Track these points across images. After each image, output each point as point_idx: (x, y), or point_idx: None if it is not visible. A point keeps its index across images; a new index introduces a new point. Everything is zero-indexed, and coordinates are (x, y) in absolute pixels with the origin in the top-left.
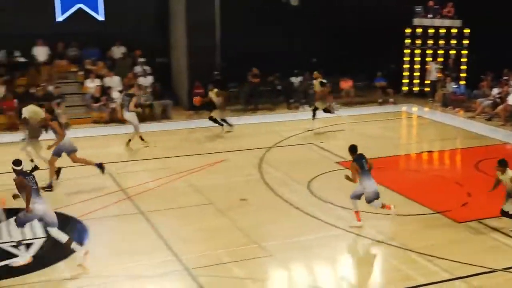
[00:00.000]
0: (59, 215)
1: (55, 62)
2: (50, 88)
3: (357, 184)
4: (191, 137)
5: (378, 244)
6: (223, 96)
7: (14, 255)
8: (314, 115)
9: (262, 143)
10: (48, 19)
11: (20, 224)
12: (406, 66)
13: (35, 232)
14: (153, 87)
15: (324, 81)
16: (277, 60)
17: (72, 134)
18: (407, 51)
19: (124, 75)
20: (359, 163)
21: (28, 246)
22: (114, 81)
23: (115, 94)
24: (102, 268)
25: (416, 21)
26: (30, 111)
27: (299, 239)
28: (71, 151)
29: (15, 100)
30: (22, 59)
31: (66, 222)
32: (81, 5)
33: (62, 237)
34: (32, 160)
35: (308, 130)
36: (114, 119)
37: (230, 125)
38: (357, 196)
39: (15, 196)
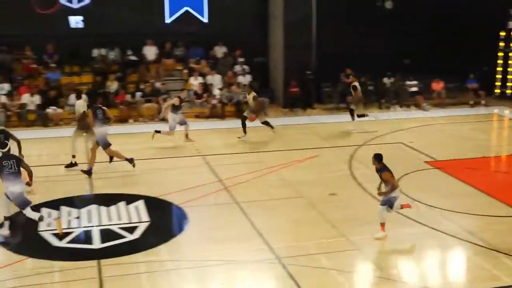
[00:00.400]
0: (162, 202)
1: (162, 60)
2: (158, 84)
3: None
4: (285, 133)
5: (463, 243)
6: (257, 102)
7: (122, 236)
8: (352, 117)
9: (353, 141)
10: (158, 21)
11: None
12: (499, 68)
13: (140, 216)
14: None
15: (356, 85)
16: (369, 61)
17: (176, 128)
18: (500, 54)
19: (225, 74)
20: (390, 172)
21: (133, 229)
22: (215, 79)
23: (216, 91)
24: (199, 253)
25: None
26: (80, 105)
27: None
28: (105, 144)
29: (127, 95)
30: (133, 58)
31: (167, 208)
32: (188, 8)
33: (33, 215)
34: (74, 156)
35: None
36: (214, 114)
37: (271, 127)
38: (391, 205)
39: None
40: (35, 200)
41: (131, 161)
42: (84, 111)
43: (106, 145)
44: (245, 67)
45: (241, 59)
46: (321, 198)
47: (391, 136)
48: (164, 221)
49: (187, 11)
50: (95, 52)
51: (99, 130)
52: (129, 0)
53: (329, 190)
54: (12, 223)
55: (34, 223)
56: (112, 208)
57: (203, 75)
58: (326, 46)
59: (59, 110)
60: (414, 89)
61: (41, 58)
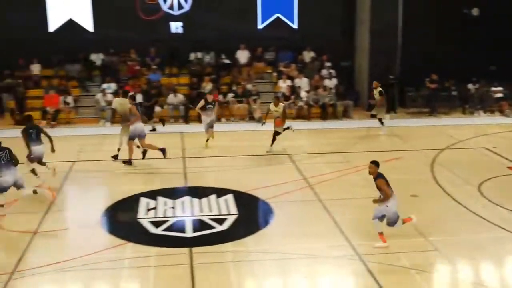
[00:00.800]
0: (250, 196)
1: (254, 64)
2: (249, 86)
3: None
4: (369, 135)
5: None
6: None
7: (212, 227)
8: (381, 122)
9: (435, 145)
10: (251, 27)
11: None
12: None
13: (229, 209)
14: (336, 88)
15: (382, 90)
16: (454, 66)
17: (264, 127)
18: None
19: (312, 77)
20: (386, 180)
21: (222, 220)
22: (303, 82)
23: (303, 94)
24: (283, 246)
25: None
26: (118, 102)
27: (465, 237)
28: (141, 137)
29: (220, 95)
30: (227, 61)
31: (255, 202)
32: (279, 15)
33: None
34: (119, 149)
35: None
36: (301, 115)
37: (291, 129)
38: (381, 217)
39: None
40: (136, 190)
41: (163, 151)
42: (130, 108)
43: (141, 138)
44: (332, 71)
45: (327, 63)
46: (402, 199)
47: (474, 141)
48: (251, 215)
49: (278, 18)
50: (192, 56)
51: (137, 124)
52: (225, 8)
53: (410, 191)
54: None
55: (134, 212)
56: (204, 200)
57: (291, 78)
58: (411, 51)
59: (159, 108)
60: (499, 95)
61: (144, 60)
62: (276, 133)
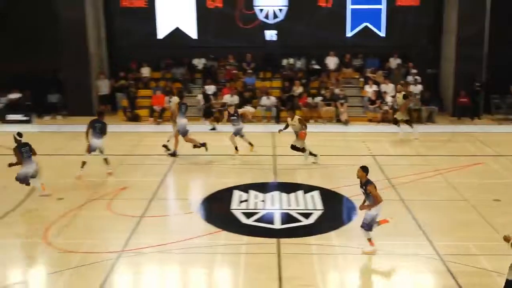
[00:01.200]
0: (335, 194)
1: (342, 69)
2: (336, 90)
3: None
4: (452, 140)
5: None
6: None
7: (298, 220)
8: (398, 126)
9: None
10: (340, 34)
11: (19, 179)
12: None
13: (315, 204)
14: (421, 94)
15: (407, 94)
16: None
17: (351, 129)
18: None
19: (398, 83)
20: (375, 185)
21: (308, 215)
22: (388, 88)
23: (389, 98)
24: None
25: None
26: (174, 102)
27: None
28: (184, 133)
29: (309, 98)
30: (316, 66)
31: (339, 199)
32: (368, 24)
33: (37, 184)
34: (168, 140)
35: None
36: (385, 119)
37: (313, 155)
38: (374, 222)
39: (10, 165)
40: (231, 183)
41: (204, 145)
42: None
43: (185, 134)
44: (417, 77)
45: (413, 70)
46: (485, 202)
47: None
48: (336, 211)
49: (366, 27)
50: (285, 61)
51: (181, 121)
52: (316, 18)
53: (493, 196)
54: None
55: (228, 203)
56: (292, 195)
57: (377, 83)
58: (497, 59)
59: (252, 109)
60: None
61: (241, 65)
62: (293, 147)
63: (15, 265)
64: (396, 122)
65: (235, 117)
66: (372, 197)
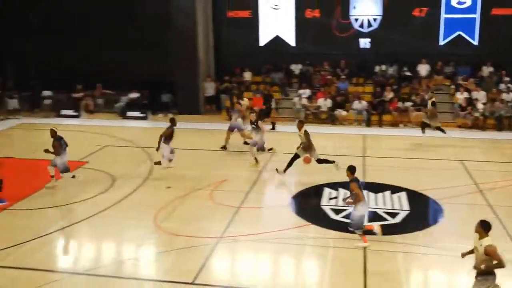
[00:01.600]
0: (421, 195)
1: (433, 76)
2: (427, 96)
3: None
4: None
5: None
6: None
7: (385, 219)
8: (423, 131)
9: None
10: (433, 42)
11: (63, 170)
12: None
13: (402, 205)
14: None
15: (435, 101)
16: None
17: (439, 134)
18: None
19: (489, 91)
20: (358, 184)
21: (395, 214)
22: (480, 95)
23: (480, 105)
24: (449, 244)
25: None
26: (244, 103)
27: None
28: (240, 129)
29: (399, 103)
30: (408, 73)
31: (426, 201)
32: (461, 32)
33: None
34: (245, 143)
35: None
36: (476, 125)
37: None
38: (362, 222)
39: (46, 151)
40: (322, 181)
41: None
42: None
43: (240, 130)
44: (510, 85)
45: (506, 78)
46: None
47: None
48: (422, 212)
49: (459, 35)
50: (377, 68)
51: (235, 120)
52: (410, 26)
53: None
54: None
55: (318, 199)
56: (379, 195)
57: (468, 90)
58: None
59: (344, 113)
60: None
61: (335, 71)
62: (319, 161)
63: (129, 244)
64: (424, 126)
65: (254, 126)
66: (354, 195)
